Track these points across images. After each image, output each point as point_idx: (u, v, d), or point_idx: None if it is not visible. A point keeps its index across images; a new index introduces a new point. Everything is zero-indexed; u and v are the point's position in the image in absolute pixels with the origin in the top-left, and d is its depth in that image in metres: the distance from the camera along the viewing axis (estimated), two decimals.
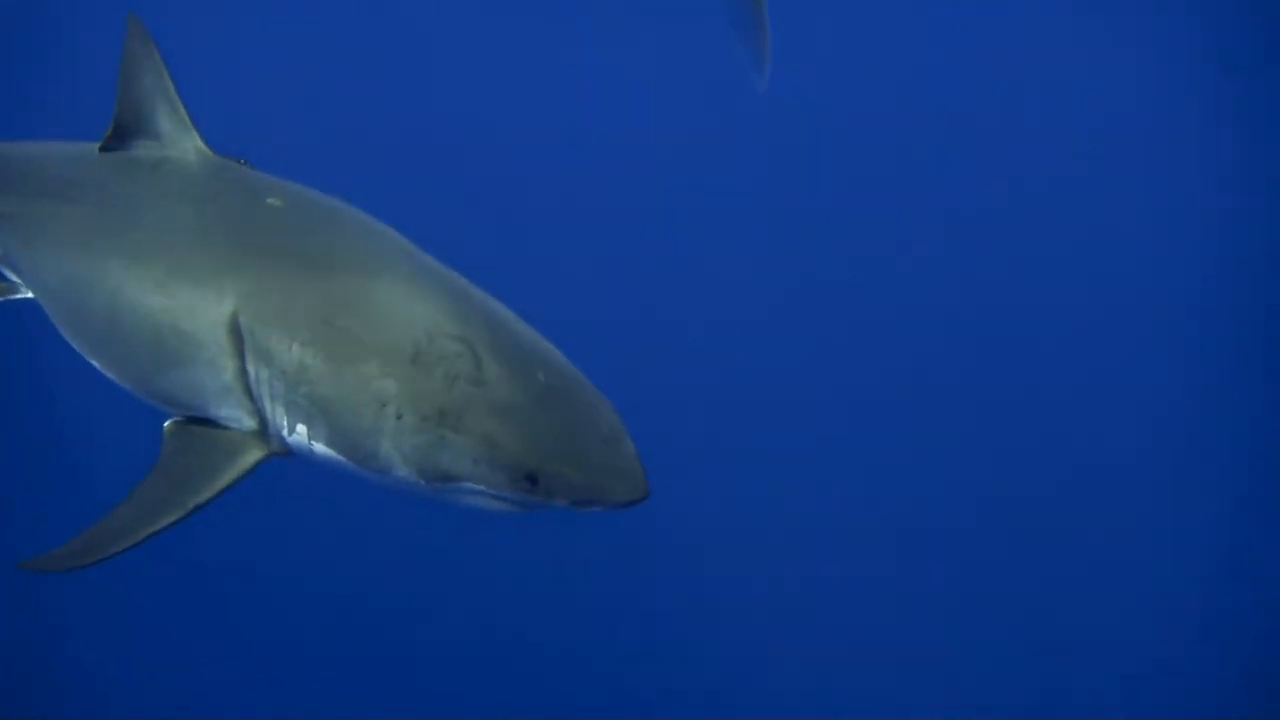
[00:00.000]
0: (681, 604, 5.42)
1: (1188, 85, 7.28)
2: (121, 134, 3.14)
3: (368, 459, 2.60)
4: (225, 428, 2.82)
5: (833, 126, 7.01)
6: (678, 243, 6.30)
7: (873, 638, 5.47)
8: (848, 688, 5.30)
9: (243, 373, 2.71)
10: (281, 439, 2.74)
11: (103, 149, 3.19)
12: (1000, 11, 7.39)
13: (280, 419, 2.70)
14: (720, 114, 6.99)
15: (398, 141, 6.32)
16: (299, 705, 4.84)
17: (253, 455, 2.75)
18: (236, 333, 2.71)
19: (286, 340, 2.64)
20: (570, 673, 5.13)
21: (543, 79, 6.94)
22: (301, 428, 2.66)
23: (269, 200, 2.97)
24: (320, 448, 2.66)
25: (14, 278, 3.49)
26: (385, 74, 6.82)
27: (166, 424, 2.89)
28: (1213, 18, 7.31)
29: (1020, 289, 6.71)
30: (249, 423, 2.77)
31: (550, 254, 5.57)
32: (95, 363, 3.13)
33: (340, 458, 2.64)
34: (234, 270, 2.79)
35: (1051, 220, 6.93)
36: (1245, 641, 5.74)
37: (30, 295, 3.42)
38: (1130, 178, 7.02)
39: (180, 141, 3.10)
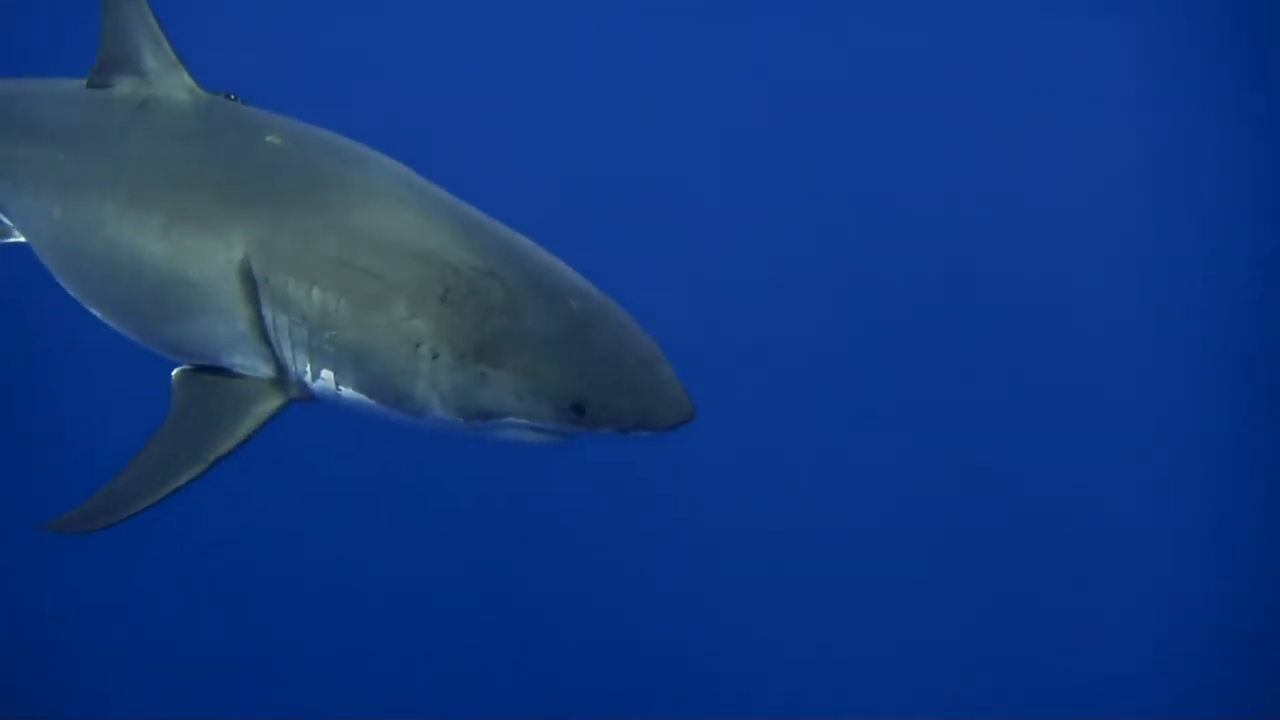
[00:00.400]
0: (681, 599, 5.42)
1: (1186, 82, 7.30)
2: (106, 71, 3.06)
3: (401, 401, 2.55)
4: (240, 375, 2.75)
5: (831, 122, 7.04)
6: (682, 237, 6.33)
7: (869, 636, 5.47)
8: (847, 686, 5.30)
9: (258, 320, 2.64)
10: (304, 385, 2.68)
11: (89, 85, 3.11)
12: (999, 11, 7.42)
13: (303, 365, 2.64)
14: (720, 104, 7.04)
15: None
16: (299, 703, 4.83)
17: (272, 402, 2.70)
18: (249, 280, 2.62)
19: (305, 285, 2.57)
20: (567, 668, 5.13)
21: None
22: (327, 373, 2.61)
23: (268, 138, 2.87)
24: (349, 392, 2.61)
25: (6, 221, 3.40)
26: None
27: (175, 373, 2.82)
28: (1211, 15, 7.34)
29: (1017, 287, 6.72)
30: (266, 370, 2.71)
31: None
32: (96, 311, 3.04)
33: (371, 401, 2.60)
34: (241, 214, 2.69)
35: (1049, 220, 6.95)
36: (1244, 641, 5.73)
37: (23, 240, 3.35)
38: (1127, 176, 7.05)
39: (167, 78, 3.00)
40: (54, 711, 4.84)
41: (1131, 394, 6.39)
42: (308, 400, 2.73)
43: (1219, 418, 6.31)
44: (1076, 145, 7.18)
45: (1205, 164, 7.09)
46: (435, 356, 2.47)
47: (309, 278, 2.57)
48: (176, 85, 3.00)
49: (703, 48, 7.15)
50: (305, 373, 2.64)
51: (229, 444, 2.63)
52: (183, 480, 2.59)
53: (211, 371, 2.78)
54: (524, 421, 2.53)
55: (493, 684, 5.06)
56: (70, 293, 3.12)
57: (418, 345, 2.48)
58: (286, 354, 2.64)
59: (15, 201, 3.26)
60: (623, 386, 2.49)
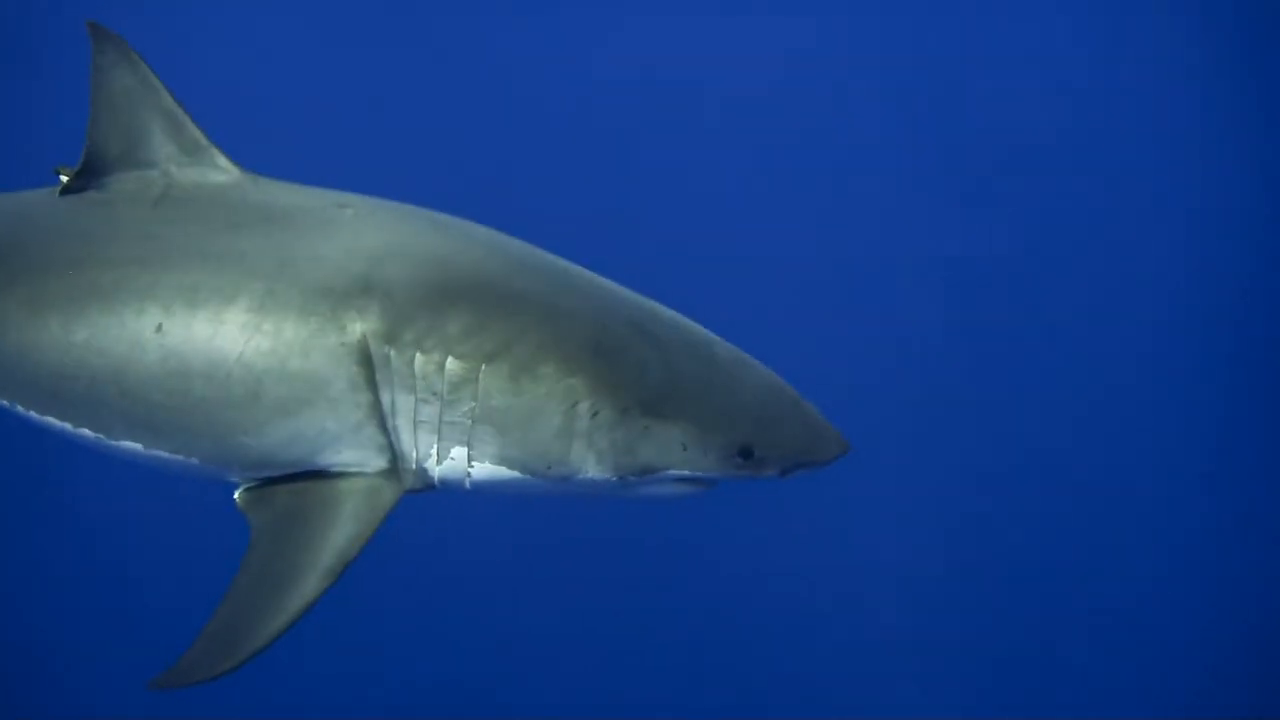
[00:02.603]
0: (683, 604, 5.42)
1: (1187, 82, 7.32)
2: (94, 172, 2.71)
3: (554, 466, 2.40)
4: (343, 475, 2.46)
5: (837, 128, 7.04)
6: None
7: (871, 638, 5.50)
8: (848, 688, 5.32)
9: (376, 406, 2.40)
10: (424, 471, 2.46)
11: (65, 192, 2.73)
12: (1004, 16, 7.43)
13: (427, 448, 2.43)
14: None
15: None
16: (302, 704, 4.81)
17: (388, 496, 2.43)
18: (367, 362, 2.39)
19: (437, 357, 2.38)
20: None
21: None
22: (459, 450, 2.41)
23: (345, 211, 2.63)
24: (485, 468, 2.43)
25: None
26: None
27: (240, 494, 2.53)
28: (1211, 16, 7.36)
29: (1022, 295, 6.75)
30: (378, 462, 2.44)
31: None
32: (133, 445, 2.60)
33: (514, 473, 2.43)
34: (347, 291, 2.43)
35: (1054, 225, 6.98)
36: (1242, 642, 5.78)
37: None
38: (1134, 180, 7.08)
39: (195, 163, 2.70)
40: (52, 711, 4.82)
41: (1128, 395, 6.44)
42: (421, 490, 2.51)
43: (1221, 418, 6.38)
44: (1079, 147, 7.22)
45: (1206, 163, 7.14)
46: (595, 414, 2.37)
47: (442, 349, 2.38)
48: (208, 169, 2.71)
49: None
50: (429, 456, 2.43)
51: (351, 551, 2.36)
52: (310, 599, 2.30)
53: (294, 480, 2.49)
54: (685, 473, 2.45)
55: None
56: (80, 433, 2.66)
57: (575, 404, 2.36)
58: (405, 439, 2.43)
59: None
60: (785, 427, 2.49)
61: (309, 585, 2.30)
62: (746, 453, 2.43)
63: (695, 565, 5.36)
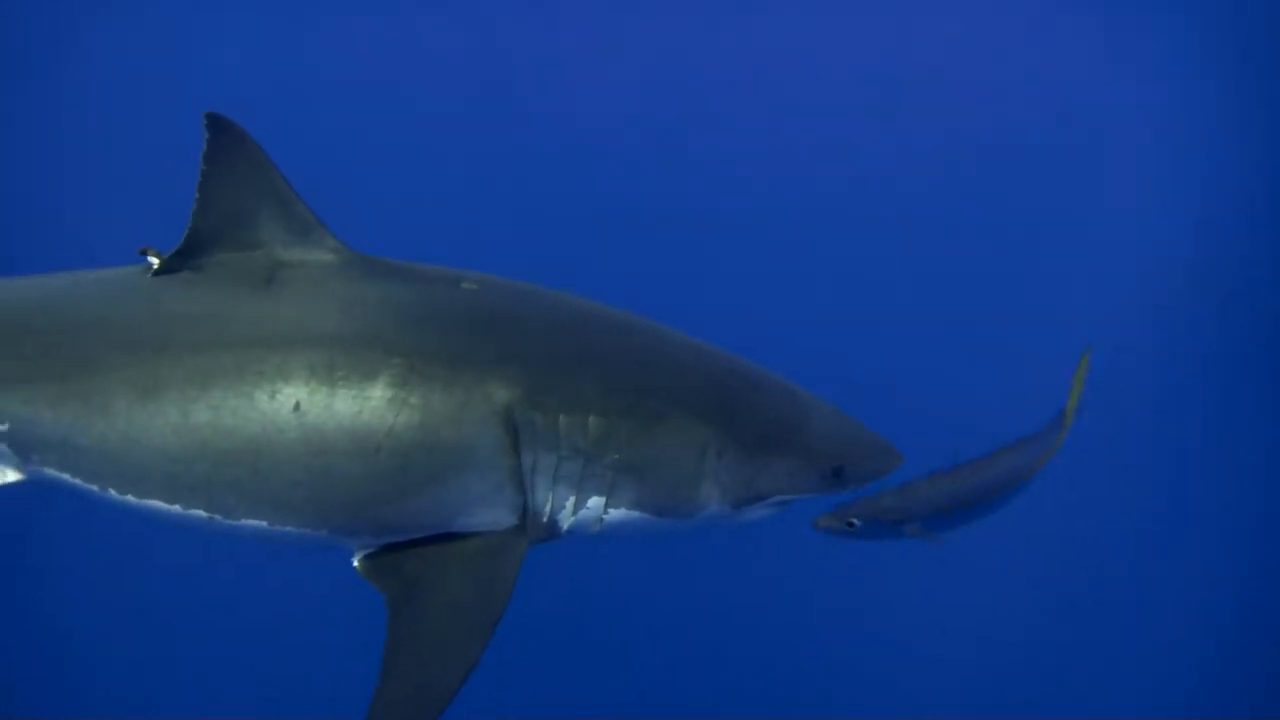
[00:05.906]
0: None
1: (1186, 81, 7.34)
2: (192, 253, 2.71)
3: (681, 505, 2.66)
4: (474, 535, 2.56)
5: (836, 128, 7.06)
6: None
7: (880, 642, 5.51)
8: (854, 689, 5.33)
9: (518, 467, 2.54)
10: (554, 523, 2.62)
11: (159, 272, 2.71)
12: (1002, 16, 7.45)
13: (562, 500, 2.59)
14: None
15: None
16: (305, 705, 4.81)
17: (518, 551, 2.55)
18: (512, 427, 2.53)
19: (579, 417, 2.56)
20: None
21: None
22: (594, 500, 2.60)
23: (464, 285, 2.77)
24: (619, 514, 2.63)
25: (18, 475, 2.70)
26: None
27: (360, 560, 2.58)
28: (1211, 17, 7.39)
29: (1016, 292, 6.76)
30: (510, 519, 2.58)
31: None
32: (251, 523, 2.54)
33: (645, 515, 2.65)
34: (488, 361, 2.57)
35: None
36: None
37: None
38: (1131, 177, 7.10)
39: (304, 243, 2.75)
40: (52, 711, 4.82)
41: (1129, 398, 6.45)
42: (545, 540, 2.64)
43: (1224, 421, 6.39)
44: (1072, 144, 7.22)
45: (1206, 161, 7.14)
46: (721, 455, 2.64)
47: (583, 409, 2.57)
48: (316, 248, 2.77)
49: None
50: (564, 507, 2.60)
51: (500, 607, 2.47)
52: (475, 660, 2.41)
53: (419, 545, 2.57)
54: (787, 497, 2.78)
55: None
56: (191, 514, 2.57)
57: (704, 449, 2.63)
58: (543, 494, 2.58)
59: (78, 430, 2.59)
60: (864, 446, 2.86)
61: (472, 647, 2.41)
62: (839, 472, 2.78)
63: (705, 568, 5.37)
